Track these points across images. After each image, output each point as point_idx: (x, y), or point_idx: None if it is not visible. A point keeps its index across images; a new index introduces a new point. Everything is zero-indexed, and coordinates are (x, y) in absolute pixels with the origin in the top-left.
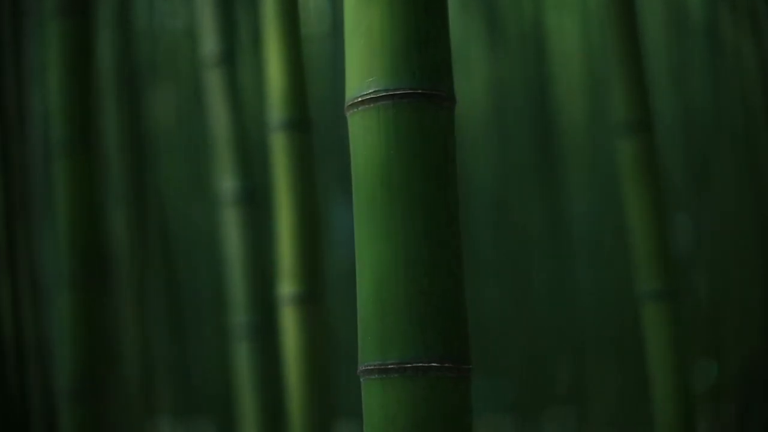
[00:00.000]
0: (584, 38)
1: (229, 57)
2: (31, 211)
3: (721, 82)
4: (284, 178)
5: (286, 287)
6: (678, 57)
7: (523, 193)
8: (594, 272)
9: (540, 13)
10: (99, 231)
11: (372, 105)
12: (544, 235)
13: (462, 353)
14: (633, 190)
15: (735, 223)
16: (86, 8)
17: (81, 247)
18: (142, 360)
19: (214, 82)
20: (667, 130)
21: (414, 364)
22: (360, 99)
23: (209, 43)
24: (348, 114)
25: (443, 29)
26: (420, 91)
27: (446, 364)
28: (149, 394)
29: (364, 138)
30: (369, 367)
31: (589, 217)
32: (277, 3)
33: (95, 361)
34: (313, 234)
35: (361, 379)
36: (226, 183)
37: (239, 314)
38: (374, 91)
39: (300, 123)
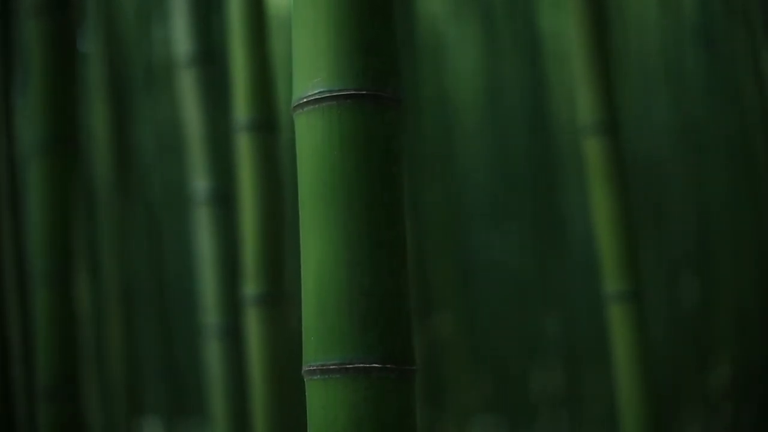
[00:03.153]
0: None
1: (202, 58)
2: (18, 208)
3: (715, 82)
4: (248, 178)
5: (250, 288)
6: (673, 56)
7: (519, 192)
8: (590, 272)
9: (535, 14)
10: (73, 230)
11: (317, 106)
12: (539, 235)
13: (405, 354)
14: (599, 191)
15: (729, 224)
16: (66, 7)
17: (55, 245)
18: (124, 359)
19: (187, 83)
20: (661, 129)
21: (355, 365)
22: (305, 100)
23: (183, 45)
24: (294, 114)
25: (390, 31)
26: (364, 92)
27: (388, 365)
28: (132, 393)
29: (309, 138)
30: (311, 368)
31: (585, 217)
32: (243, 4)
33: (70, 360)
34: (277, 235)
35: (305, 380)
36: (199, 183)
37: (210, 315)
38: (319, 92)
39: (265, 123)
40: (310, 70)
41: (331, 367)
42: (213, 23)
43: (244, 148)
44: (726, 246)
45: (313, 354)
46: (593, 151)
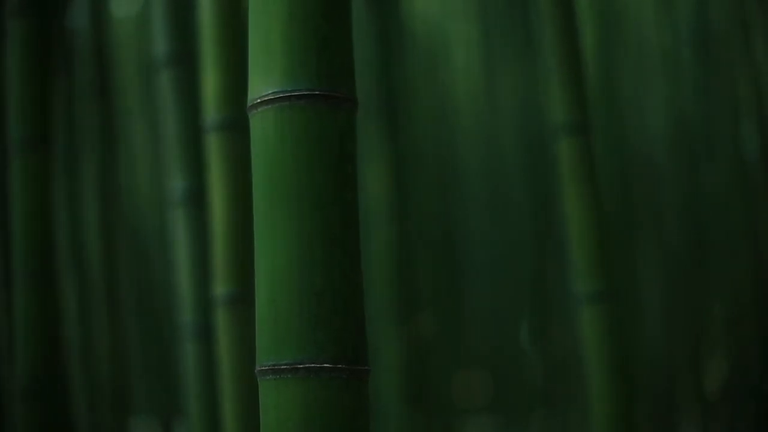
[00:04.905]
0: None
1: (179, 57)
2: (6, 207)
3: (711, 82)
4: (218, 178)
5: (220, 288)
6: (669, 56)
7: (514, 192)
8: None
9: (533, 12)
10: (56, 229)
11: (270, 106)
12: (533, 235)
13: (357, 354)
14: (571, 191)
15: (725, 223)
16: (47, 8)
17: (35, 245)
18: (111, 359)
19: (164, 82)
20: (657, 129)
21: (306, 365)
22: (260, 100)
23: (160, 43)
24: (249, 114)
25: (344, 31)
26: (317, 93)
27: (339, 365)
28: (118, 393)
29: (263, 138)
30: (264, 368)
31: None
32: (214, 3)
33: (52, 359)
34: (247, 235)
35: (258, 380)
36: (175, 183)
37: (185, 314)
38: (272, 92)
39: (235, 123)
40: (264, 70)
41: (283, 367)
42: (190, 23)
43: (213, 148)
44: (722, 245)
45: (265, 354)
46: (565, 152)
